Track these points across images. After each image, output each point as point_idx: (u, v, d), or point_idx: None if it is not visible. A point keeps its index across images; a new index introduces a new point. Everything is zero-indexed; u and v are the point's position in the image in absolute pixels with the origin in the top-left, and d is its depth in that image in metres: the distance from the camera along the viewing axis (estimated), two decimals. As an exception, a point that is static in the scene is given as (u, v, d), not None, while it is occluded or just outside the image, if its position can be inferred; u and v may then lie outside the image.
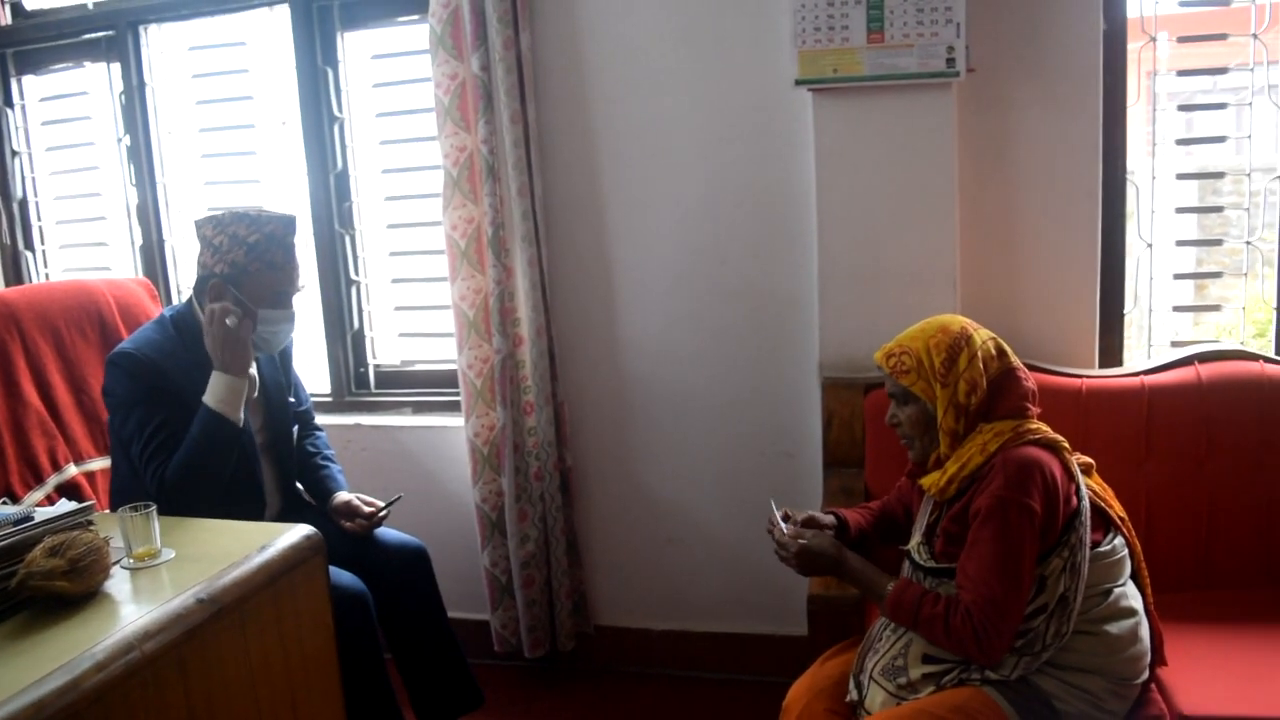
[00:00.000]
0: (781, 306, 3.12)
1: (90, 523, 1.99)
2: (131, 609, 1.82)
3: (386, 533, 2.86)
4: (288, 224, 2.63)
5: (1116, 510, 2.07)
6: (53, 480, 2.81)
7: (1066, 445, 2.04)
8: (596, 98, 3.16)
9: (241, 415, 2.55)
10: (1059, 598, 1.91)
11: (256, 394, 2.75)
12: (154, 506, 2.04)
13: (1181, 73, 3.03)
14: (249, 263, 2.56)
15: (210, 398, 2.51)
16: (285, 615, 2.04)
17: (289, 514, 2.82)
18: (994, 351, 2.06)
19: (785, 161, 3.03)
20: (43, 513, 1.98)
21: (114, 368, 2.55)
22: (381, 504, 2.82)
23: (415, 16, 3.37)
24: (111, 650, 1.65)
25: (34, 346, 2.87)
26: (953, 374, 2.01)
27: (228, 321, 2.51)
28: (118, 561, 2.00)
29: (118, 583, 1.94)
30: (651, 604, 3.43)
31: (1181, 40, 2.93)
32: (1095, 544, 1.98)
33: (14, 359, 2.81)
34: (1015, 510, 1.89)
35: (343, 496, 2.85)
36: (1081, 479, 2.02)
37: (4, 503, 2.14)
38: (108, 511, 2.58)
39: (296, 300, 2.71)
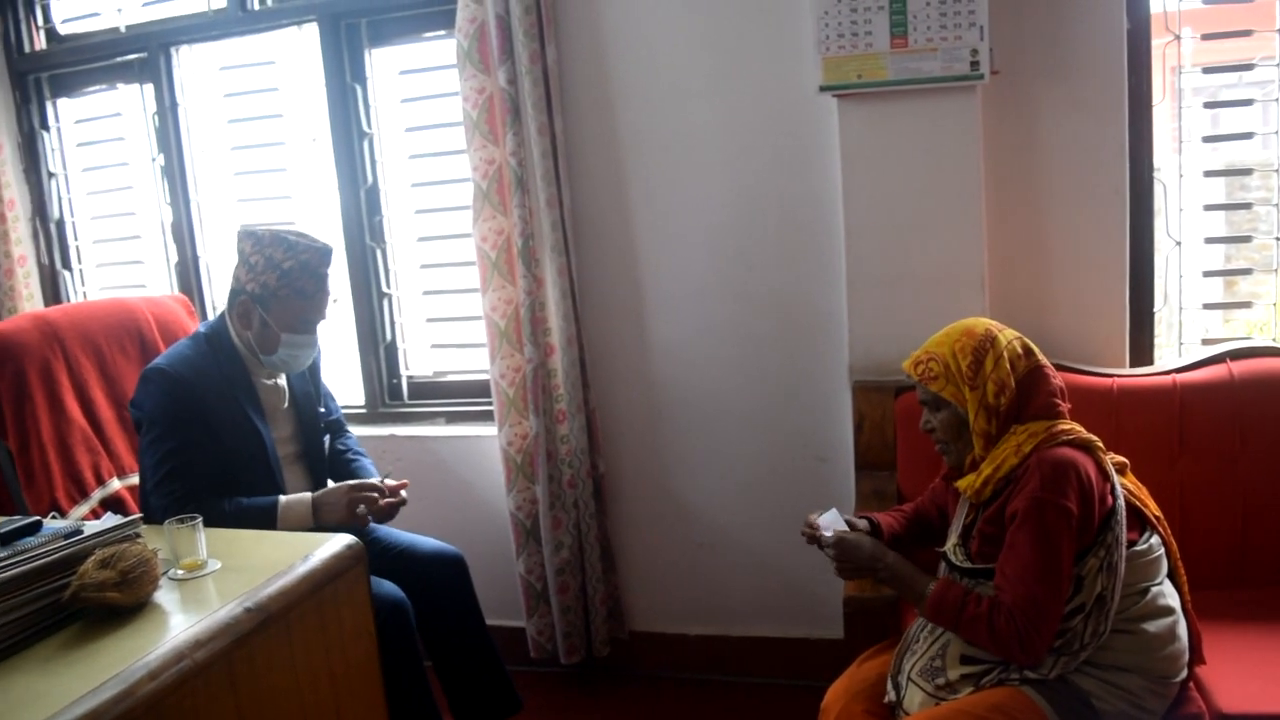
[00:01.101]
0: (810, 311, 3.14)
1: (138, 535, 2.03)
2: (181, 619, 1.86)
3: (423, 541, 2.89)
4: (323, 254, 2.67)
5: (1152, 509, 2.08)
6: (97, 494, 2.87)
7: (1100, 445, 2.05)
8: (622, 108, 3.19)
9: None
10: (1096, 597, 1.92)
11: (286, 404, 2.80)
12: (200, 518, 2.08)
13: (1206, 69, 3.02)
14: (279, 287, 2.61)
15: (284, 514, 2.58)
16: (329, 623, 2.07)
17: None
18: (1020, 351, 2.07)
19: (811, 167, 3.05)
20: (91, 526, 2.02)
21: (145, 383, 2.60)
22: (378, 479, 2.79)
23: (442, 32, 3.42)
24: (164, 659, 1.68)
25: (76, 364, 2.93)
26: (980, 376, 2.03)
27: (359, 510, 2.60)
28: (165, 573, 2.04)
29: (166, 593, 1.98)
30: (686, 609, 3.45)
31: (1206, 37, 2.93)
32: (1131, 543, 1.99)
33: (58, 376, 2.87)
34: (1052, 511, 1.90)
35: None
36: (1116, 478, 2.03)
37: (53, 517, 2.18)
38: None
39: (321, 326, 2.75)
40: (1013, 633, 1.88)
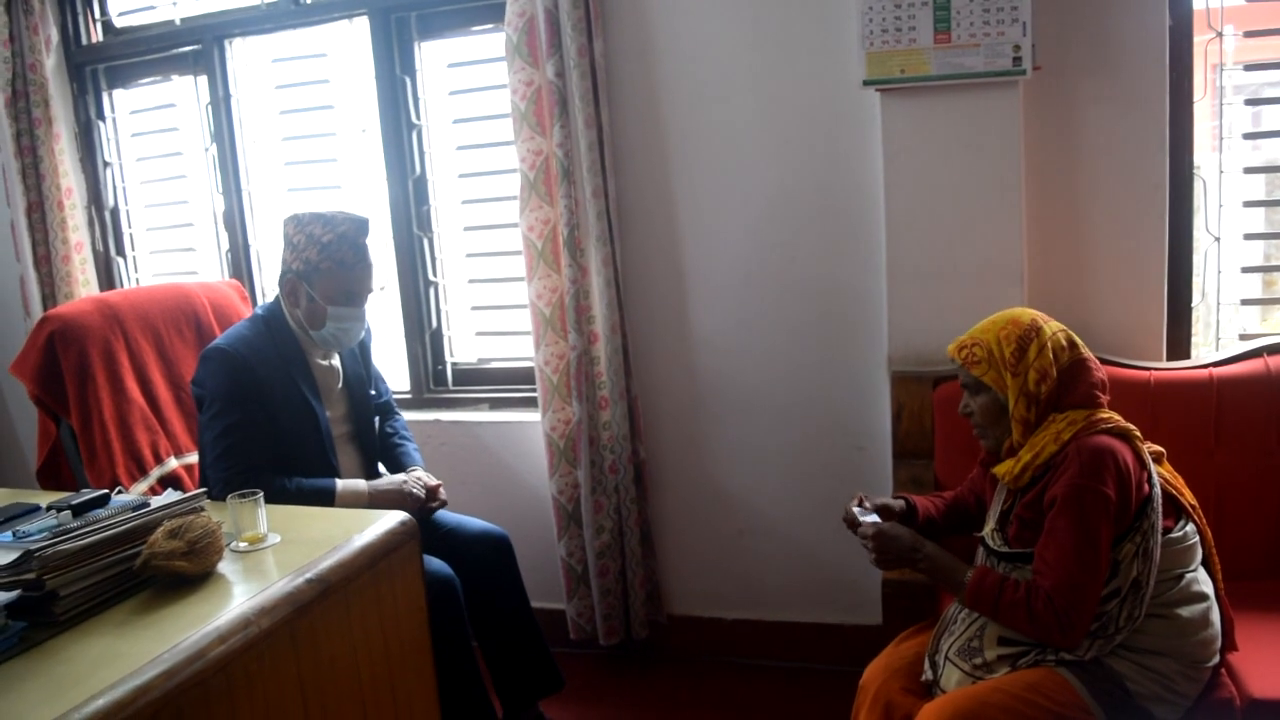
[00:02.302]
0: (850, 302, 3.18)
1: (203, 509, 2.11)
2: (244, 588, 1.93)
3: (470, 521, 2.96)
4: (360, 225, 2.75)
5: (1188, 498, 2.11)
6: (155, 472, 2.96)
7: (1138, 434, 2.08)
8: (668, 101, 3.25)
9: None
10: (1131, 582, 1.96)
11: (340, 385, 2.88)
12: (260, 494, 2.16)
13: (1248, 67, 3.03)
14: (320, 260, 2.69)
15: (342, 494, 2.70)
16: (384, 596, 2.14)
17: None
18: (1064, 343, 2.11)
19: (853, 161, 3.09)
20: (158, 500, 2.10)
21: (206, 361, 2.69)
22: (432, 484, 2.93)
23: (490, 25, 3.48)
24: (232, 624, 1.76)
25: (136, 346, 3.03)
26: (1023, 364, 2.07)
27: (414, 490, 2.80)
28: (228, 545, 2.12)
29: (229, 564, 2.05)
30: (724, 594, 3.50)
31: (1248, 34, 2.94)
32: (1167, 530, 2.03)
33: (119, 358, 2.96)
34: (1091, 497, 1.94)
35: (415, 472, 2.95)
36: (1153, 466, 2.07)
37: (118, 491, 2.26)
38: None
39: (370, 301, 2.83)
40: (1051, 616, 1.93)
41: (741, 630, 3.50)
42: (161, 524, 1.98)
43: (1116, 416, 2.09)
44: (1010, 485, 2.12)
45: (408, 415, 3.60)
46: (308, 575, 1.96)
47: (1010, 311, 2.17)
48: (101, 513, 1.99)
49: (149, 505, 2.05)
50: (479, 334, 3.80)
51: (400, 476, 2.83)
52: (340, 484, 2.72)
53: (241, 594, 1.90)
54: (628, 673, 3.51)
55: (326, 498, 2.67)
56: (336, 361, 2.87)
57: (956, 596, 2.13)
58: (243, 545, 2.12)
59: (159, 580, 1.94)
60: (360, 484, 2.75)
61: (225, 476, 2.56)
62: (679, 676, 3.46)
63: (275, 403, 2.68)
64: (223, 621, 1.76)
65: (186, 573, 1.93)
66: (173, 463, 3.01)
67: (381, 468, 3.03)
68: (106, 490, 2.12)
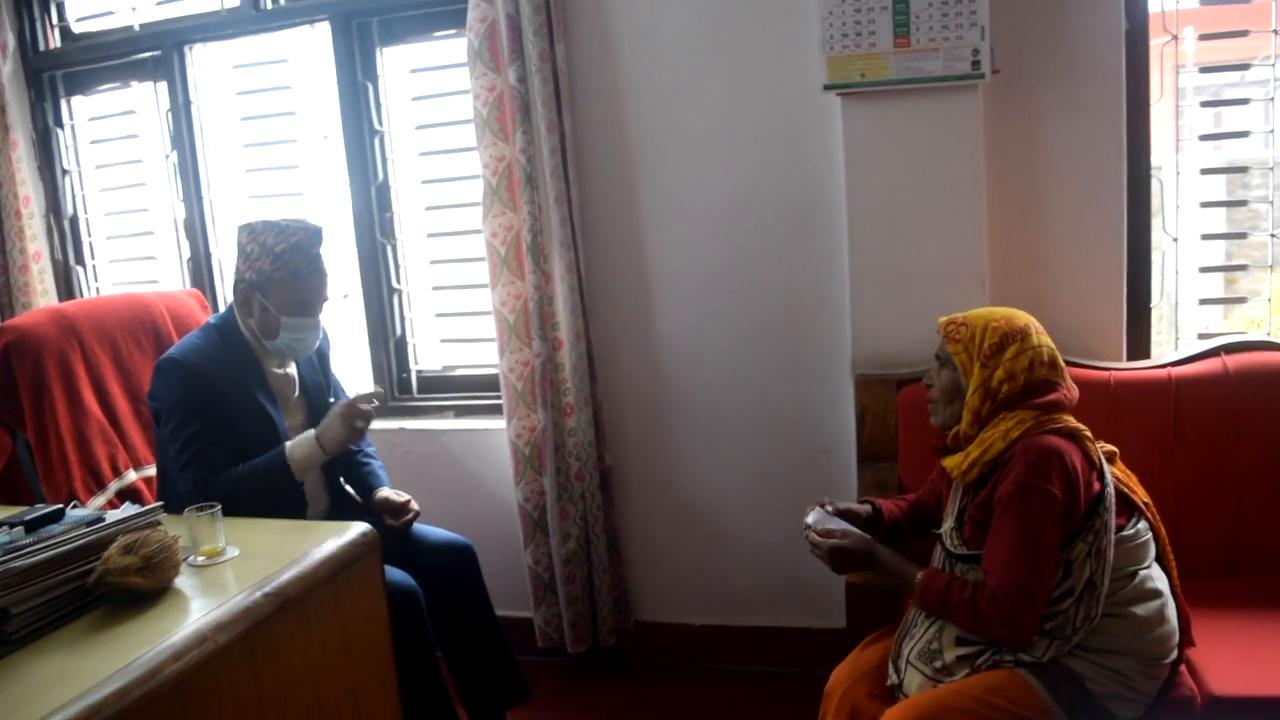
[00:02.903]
0: (814, 306, 3.18)
1: (159, 523, 2.09)
2: (201, 603, 1.91)
3: (433, 531, 2.94)
4: (314, 235, 2.73)
5: (1140, 495, 2.13)
6: (114, 486, 2.92)
7: (1089, 434, 2.10)
8: (630, 106, 3.24)
9: (305, 477, 2.70)
10: (1086, 581, 1.97)
11: (297, 394, 2.86)
12: (218, 507, 2.13)
13: (1204, 69, 3.06)
14: (274, 270, 2.67)
15: (293, 455, 2.64)
16: (345, 609, 2.12)
17: (337, 513, 2.91)
18: (1045, 359, 2.12)
19: (815, 165, 3.09)
20: (113, 514, 2.07)
21: (160, 373, 2.66)
22: (400, 500, 2.89)
23: (452, 31, 3.47)
24: (187, 641, 1.73)
25: (93, 357, 2.99)
26: (995, 359, 2.09)
27: (357, 424, 2.67)
28: (185, 559, 2.09)
29: (186, 579, 2.03)
30: (691, 599, 3.50)
31: (1204, 37, 2.97)
32: (1119, 528, 2.05)
33: (75, 369, 2.93)
34: (1036, 496, 1.96)
35: (382, 493, 2.93)
36: (1105, 466, 2.08)
37: (73, 506, 2.23)
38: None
39: (325, 310, 2.80)
40: (995, 615, 1.94)
41: (710, 635, 3.49)
42: (116, 539, 1.95)
43: (1067, 417, 2.10)
44: (959, 481, 2.14)
45: (372, 424, 3.57)
46: (265, 589, 1.94)
47: (1012, 311, 2.19)
48: (55, 528, 1.97)
49: (104, 520, 2.03)
50: (444, 341, 3.78)
51: (337, 408, 2.72)
52: (288, 446, 2.66)
53: (198, 609, 1.88)
54: (596, 681, 3.50)
55: (281, 468, 2.62)
56: (293, 369, 2.85)
57: (910, 596, 2.15)
58: (200, 559, 2.10)
59: (114, 597, 1.91)
60: (307, 436, 2.69)
61: (191, 487, 2.54)
62: (648, 683, 3.46)
63: (233, 412, 2.65)
64: (178, 638, 1.74)
65: (142, 588, 1.90)
66: (131, 475, 2.97)
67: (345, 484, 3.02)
68: (61, 505, 2.09)
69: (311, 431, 2.69)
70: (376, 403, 2.79)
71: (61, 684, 1.59)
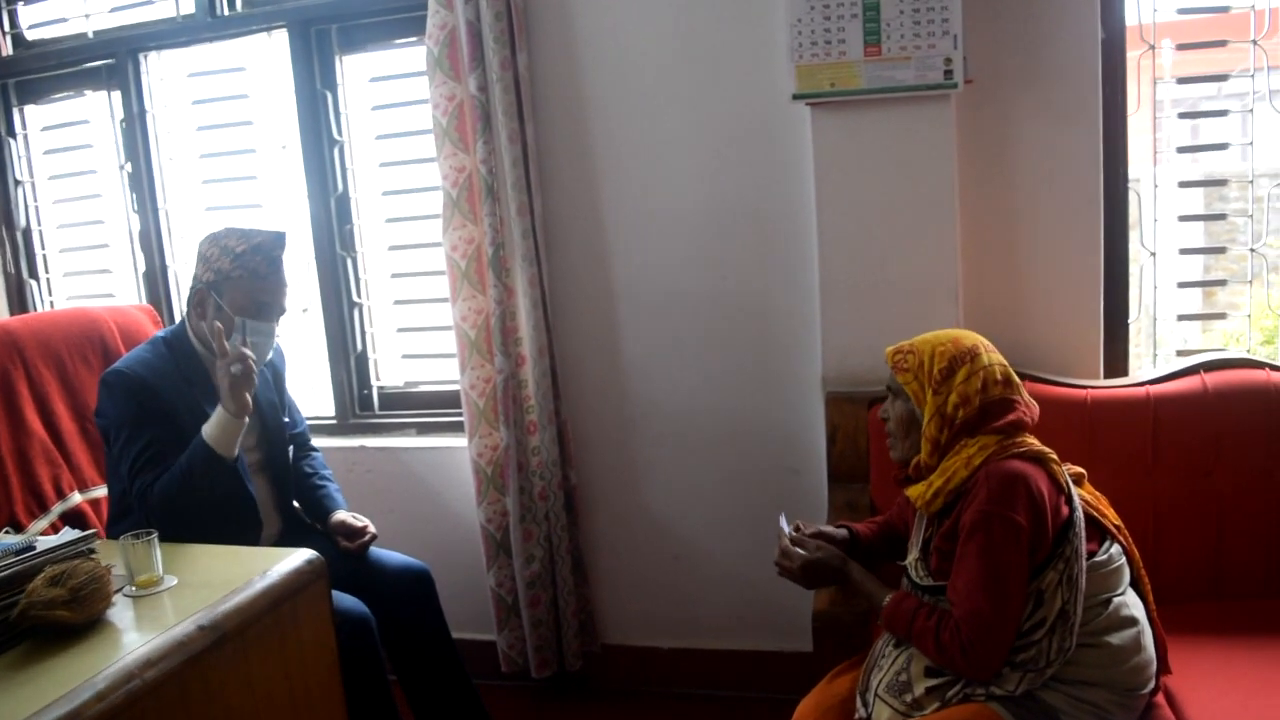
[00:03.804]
0: (783, 321, 3.11)
1: (92, 551, 1.99)
2: (134, 637, 1.82)
3: (389, 555, 2.85)
4: (276, 239, 2.66)
5: (1111, 518, 2.06)
6: (57, 508, 2.82)
7: (1054, 457, 2.01)
8: (594, 115, 3.16)
9: (235, 452, 2.56)
10: (1058, 611, 1.89)
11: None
12: (155, 534, 2.04)
13: (1182, 80, 3.01)
14: (232, 269, 2.60)
15: (208, 432, 2.52)
16: (288, 640, 2.04)
17: (290, 535, 2.83)
18: (999, 377, 2.04)
19: (784, 176, 3.02)
20: (45, 542, 1.98)
21: (105, 387, 2.57)
22: (359, 524, 2.81)
23: (413, 39, 3.38)
24: (113, 679, 1.65)
25: (37, 375, 2.88)
26: (947, 384, 2.01)
27: (233, 370, 2.51)
28: (120, 589, 2.00)
29: (120, 611, 1.94)
30: (659, 622, 3.42)
31: (1181, 47, 2.92)
32: (1091, 554, 1.96)
33: (17, 387, 2.82)
34: (999, 524, 1.88)
35: (339, 516, 2.85)
36: (1073, 489, 2.01)
37: (7, 532, 2.14)
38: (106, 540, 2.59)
39: (281, 320, 2.73)
40: (957, 647, 1.86)
41: (677, 659, 3.41)
42: (44, 570, 1.86)
43: (1031, 440, 2.02)
44: (923, 511, 2.06)
45: (332, 441, 3.51)
46: (200, 621, 1.85)
47: (957, 332, 2.11)
48: (-20, 557, 1.87)
49: (34, 549, 1.93)
50: (405, 357, 3.68)
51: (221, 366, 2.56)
52: (205, 429, 2.53)
53: (130, 644, 1.80)
54: (561, 706, 3.42)
55: (203, 451, 2.49)
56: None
57: (877, 619, 2.07)
58: (135, 590, 2.00)
59: (40, 632, 1.82)
60: (216, 413, 2.55)
61: (138, 494, 2.48)
62: (614, 709, 3.38)
63: (182, 424, 2.55)
64: (102, 676, 1.66)
65: (69, 622, 1.81)
66: (76, 498, 2.86)
67: (298, 506, 2.93)
68: (-9, 533, 2.00)
69: (219, 407, 2.55)
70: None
71: (-27, 728, 1.50)
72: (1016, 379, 2.08)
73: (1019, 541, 1.87)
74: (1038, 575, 1.90)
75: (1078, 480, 2.07)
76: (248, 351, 2.54)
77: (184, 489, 2.46)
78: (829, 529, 2.32)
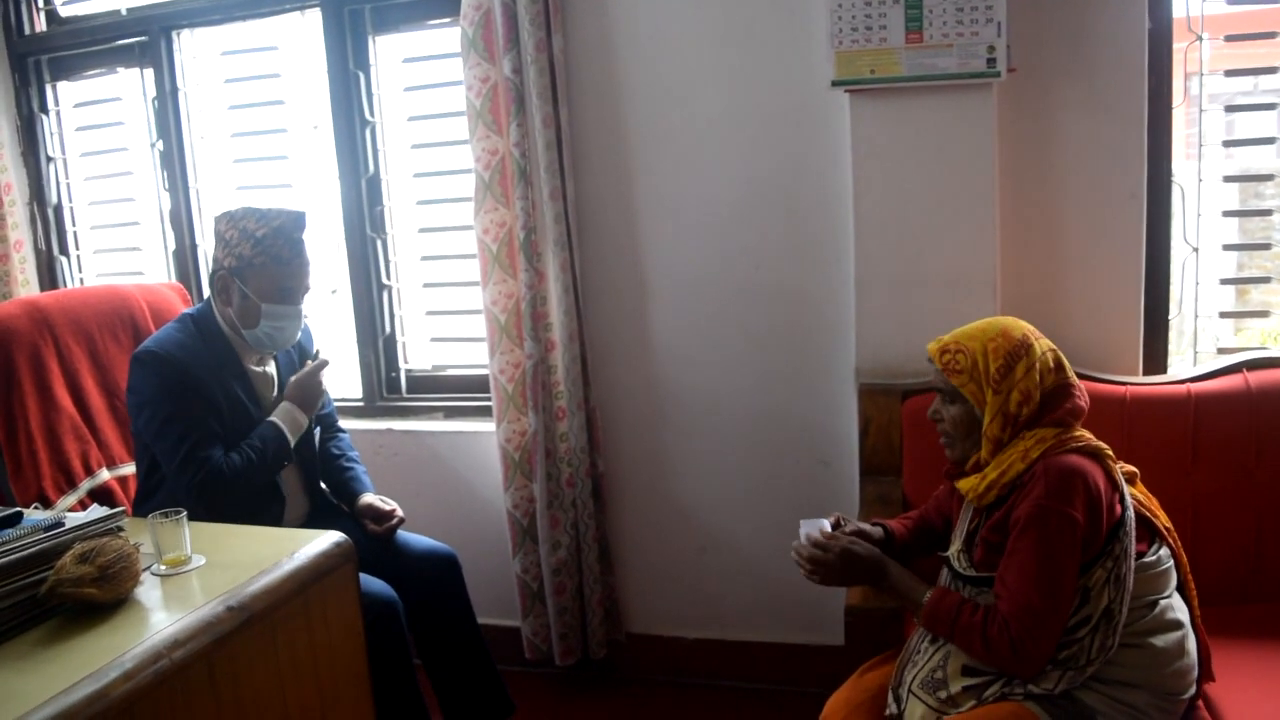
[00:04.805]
0: (817, 311, 3.07)
1: (121, 529, 1.98)
2: (161, 616, 1.81)
3: (415, 539, 2.84)
4: (296, 220, 2.64)
5: (1162, 520, 2.01)
6: (85, 485, 2.81)
7: (1110, 453, 1.98)
8: (629, 100, 3.13)
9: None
10: (1103, 610, 1.85)
11: (275, 393, 2.76)
12: (184, 513, 2.03)
13: (1228, 73, 2.95)
14: (254, 256, 2.59)
15: (282, 421, 2.62)
16: (315, 622, 2.02)
17: (317, 517, 2.82)
18: (1052, 364, 2.00)
19: (821, 163, 2.98)
20: (73, 519, 1.97)
21: (139, 365, 2.56)
22: (386, 508, 2.84)
23: (447, 20, 3.36)
24: (140, 659, 1.63)
25: (67, 351, 2.88)
26: (1007, 382, 1.96)
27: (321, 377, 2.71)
28: (148, 568, 1.98)
29: (148, 589, 1.93)
30: (684, 612, 3.39)
31: (1228, 39, 2.87)
32: (1140, 554, 1.93)
33: (47, 363, 2.82)
34: (1056, 519, 1.84)
35: (366, 499, 2.84)
36: (1126, 488, 1.96)
37: (35, 508, 2.12)
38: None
39: (306, 299, 2.72)
40: (1006, 643, 1.82)
41: (702, 650, 3.39)
42: (72, 547, 1.84)
43: (1088, 435, 1.99)
44: (975, 504, 2.02)
45: (359, 424, 3.50)
46: (229, 602, 1.84)
47: (1000, 321, 2.05)
48: (10, 533, 1.86)
49: (63, 525, 1.92)
50: (434, 340, 3.66)
51: (301, 377, 2.74)
52: (275, 419, 2.66)
53: (157, 623, 1.78)
54: (584, 694, 3.40)
55: (277, 440, 2.63)
56: (271, 369, 2.76)
57: (915, 617, 2.02)
58: (163, 569, 1.99)
59: (68, 609, 1.81)
60: (283, 406, 2.69)
61: (191, 480, 2.48)
62: (638, 698, 3.36)
63: (216, 405, 2.56)
64: (130, 655, 1.64)
65: (97, 600, 1.80)
66: (104, 474, 2.86)
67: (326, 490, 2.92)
68: (20, 509, 1.99)
69: (284, 403, 2.68)
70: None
71: (3, 704, 1.49)
72: (1066, 361, 2.04)
73: (1074, 538, 1.83)
74: (1085, 572, 1.86)
75: (1130, 479, 2.03)
76: (326, 359, 2.71)
77: (260, 469, 2.54)
78: (866, 527, 2.28)
